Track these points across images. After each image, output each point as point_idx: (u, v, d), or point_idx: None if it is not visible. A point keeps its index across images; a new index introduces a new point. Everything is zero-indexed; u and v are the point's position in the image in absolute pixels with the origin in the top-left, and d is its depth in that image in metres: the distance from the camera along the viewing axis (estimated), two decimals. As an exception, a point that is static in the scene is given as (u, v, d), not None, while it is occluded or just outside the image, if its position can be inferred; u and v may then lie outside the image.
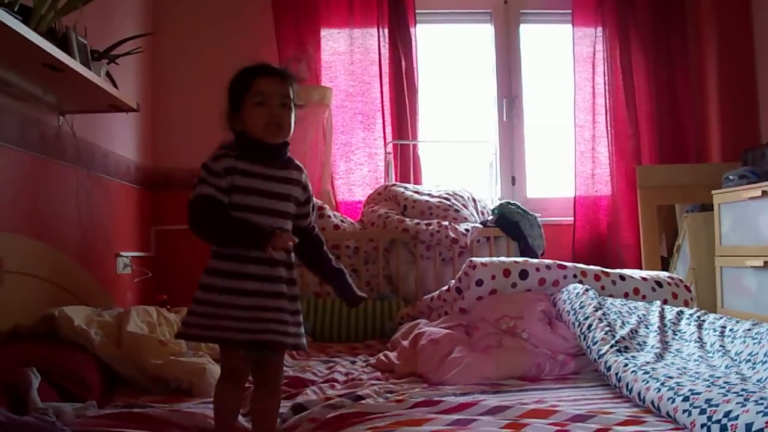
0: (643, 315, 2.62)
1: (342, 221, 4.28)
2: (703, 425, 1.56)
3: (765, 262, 3.70)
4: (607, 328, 2.39)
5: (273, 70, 1.84)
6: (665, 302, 2.94)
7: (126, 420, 1.92)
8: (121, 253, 3.96)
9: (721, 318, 2.47)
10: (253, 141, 1.80)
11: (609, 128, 4.91)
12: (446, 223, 4.08)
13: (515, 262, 3.05)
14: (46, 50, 2.45)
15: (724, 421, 1.52)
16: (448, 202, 4.30)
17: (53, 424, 1.74)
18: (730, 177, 4.14)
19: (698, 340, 2.34)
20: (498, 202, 4.51)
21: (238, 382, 1.87)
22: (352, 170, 4.79)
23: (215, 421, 1.86)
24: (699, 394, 1.67)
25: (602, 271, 3.07)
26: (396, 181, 4.68)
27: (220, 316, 1.72)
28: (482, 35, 5.23)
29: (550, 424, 1.70)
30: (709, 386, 1.75)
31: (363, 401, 2.13)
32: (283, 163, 1.85)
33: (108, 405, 2.18)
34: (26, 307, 2.68)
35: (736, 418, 1.50)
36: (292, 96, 1.83)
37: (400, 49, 4.82)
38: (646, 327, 2.49)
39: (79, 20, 2.87)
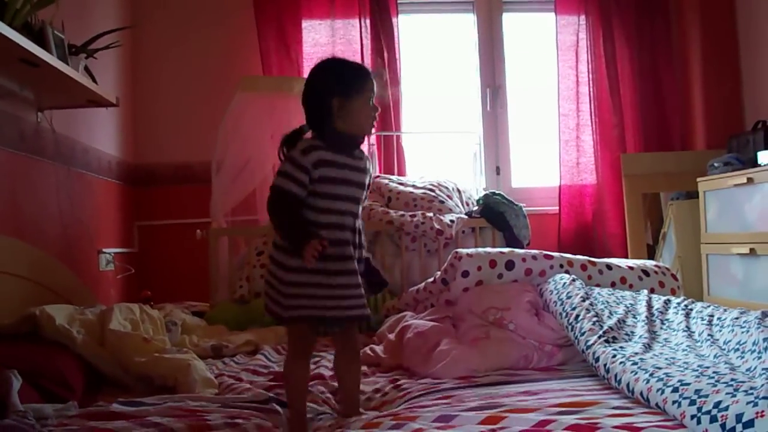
0: (631, 304, 2.60)
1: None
2: (693, 416, 1.54)
3: (751, 249, 3.70)
4: (594, 319, 2.37)
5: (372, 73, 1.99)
6: (652, 291, 2.93)
7: (105, 417, 1.88)
8: (104, 250, 3.93)
9: (708, 306, 2.45)
10: (340, 133, 1.90)
11: (593, 117, 4.91)
12: (431, 214, 4.05)
13: (501, 252, 3.02)
14: (21, 45, 2.42)
15: (714, 411, 1.50)
16: (433, 194, 4.27)
17: (32, 427, 1.71)
18: (715, 164, 4.14)
19: (686, 329, 2.32)
20: (483, 193, 4.49)
21: (308, 358, 2.02)
22: (336, 162, 4.75)
23: (290, 397, 1.95)
24: (688, 384, 1.65)
25: (589, 261, 3.05)
26: (380, 172, 4.66)
27: (318, 296, 1.84)
28: (465, 25, 5.21)
29: (538, 416, 1.67)
30: (698, 376, 1.73)
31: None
32: (359, 153, 1.97)
33: (91, 405, 2.13)
34: (6, 307, 2.64)
35: (726, 408, 1.48)
36: None
37: (383, 40, 4.80)
38: (634, 317, 2.48)
39: (55, 14, 2.83)
